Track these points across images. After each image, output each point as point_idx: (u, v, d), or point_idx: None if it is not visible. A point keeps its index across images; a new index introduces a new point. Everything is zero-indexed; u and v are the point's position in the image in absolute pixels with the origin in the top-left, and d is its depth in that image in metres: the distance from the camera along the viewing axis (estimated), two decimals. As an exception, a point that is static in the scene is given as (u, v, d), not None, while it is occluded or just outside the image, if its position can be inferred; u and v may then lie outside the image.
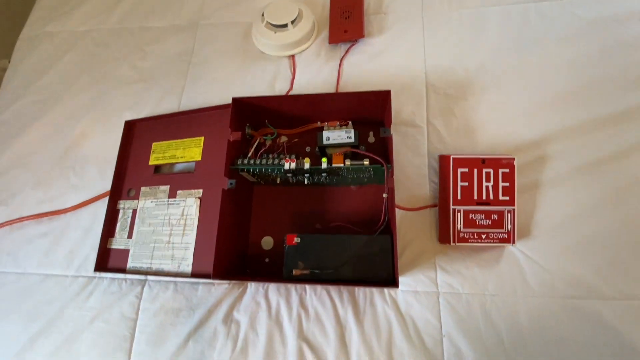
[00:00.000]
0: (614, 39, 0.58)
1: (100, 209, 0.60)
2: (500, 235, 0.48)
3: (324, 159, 0.47)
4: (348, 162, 0.47)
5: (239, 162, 0.50)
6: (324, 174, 0.49)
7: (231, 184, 0.49)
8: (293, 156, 0.50)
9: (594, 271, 0.47)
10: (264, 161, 0.50)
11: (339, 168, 0.48)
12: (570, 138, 0.53)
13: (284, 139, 0.58)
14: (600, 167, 0.51)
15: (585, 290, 0.47)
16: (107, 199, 0.59)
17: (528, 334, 0.46)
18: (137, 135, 0.62)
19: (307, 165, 0.48)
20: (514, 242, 0.47)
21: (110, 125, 0.65)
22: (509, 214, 0.48)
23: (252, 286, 0.54)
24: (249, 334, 0.51)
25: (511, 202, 0.48)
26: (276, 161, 0.49)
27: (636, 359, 0.44)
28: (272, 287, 0.53)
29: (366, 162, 0.47)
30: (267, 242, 0.56)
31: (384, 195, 0.47)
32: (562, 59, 0.58)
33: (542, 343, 0.46)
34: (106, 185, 0.60)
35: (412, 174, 0.56)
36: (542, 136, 0.54)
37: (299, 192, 0.57)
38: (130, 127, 0.63)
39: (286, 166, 0.48)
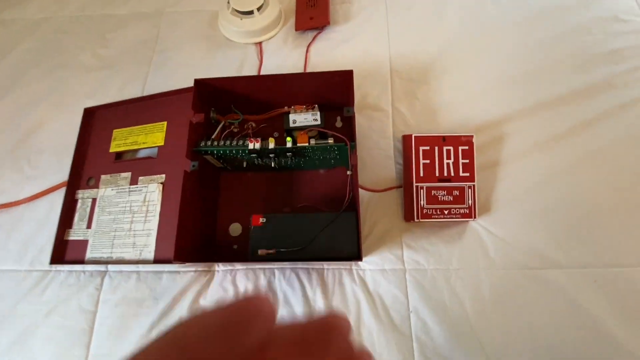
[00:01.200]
0: (563, 25, 0.62)
1: (57, 200, 0.57)
2: (462, 211, 0.49)
3: (288, 138, 0.47)
4: (313, 142, 0.47)
5: (202, 144, 0.49)
6: (289, 154, 0.49)
7: (194, 165, 0.48)
8: (259, 138, 0.49)
9: (550, 242, 0.50)
10: (227, 142, 0.49)
11: (304, 147, 0.48)
12: (525, 117, 0.56)
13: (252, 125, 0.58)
14: (552, 144, 0.54)
15: (542, 260, 0.49)
16: (64, 189, 0.56)
17: (490, 304, 0.48)
18: (97, 123, 0.60)
19: (271, 145, 0.47)
20: (475, 217, 0.49)
21: (68, 113, 0.62)
22: (470, 190, 0.49)
23: (219, 273, 0.52)
24: (215, 320, 0.49)
25: (471, 179, 0.49)
26: (240, 142, 0.49)
27: (589, 322, 0.46)
28: (240, 273, 0.52)
29: (331, 141, 0.47)
30: (235, 228, 0.55)
31: (348, 172, 0.47)
32: (517, 44, 0.61)
33: (503, 312, 0.47)
34: (64, 175, 0.57)
35: (378, 155, 0.56)
36: (500, 116, 0.56)
37: (267, 177, 0.57)
38: (90, 115, 0.60)
39: (250, 146, 0.47)
